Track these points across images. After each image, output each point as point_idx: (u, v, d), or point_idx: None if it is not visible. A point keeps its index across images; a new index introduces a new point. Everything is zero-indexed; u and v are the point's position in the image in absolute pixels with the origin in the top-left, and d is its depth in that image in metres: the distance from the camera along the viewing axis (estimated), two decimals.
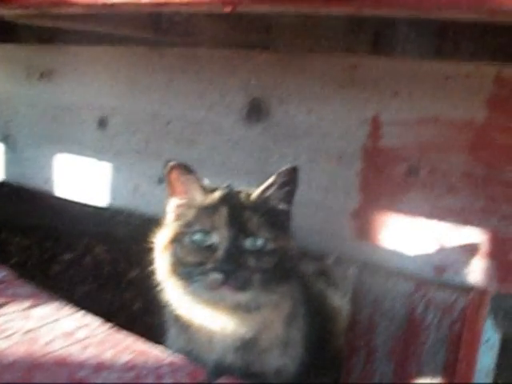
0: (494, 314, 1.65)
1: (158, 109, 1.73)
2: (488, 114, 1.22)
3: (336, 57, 1.44)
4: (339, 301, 1.67)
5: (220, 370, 1.21)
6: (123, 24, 1.47)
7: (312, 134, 1.45)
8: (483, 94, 1.22)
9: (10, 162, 2.16)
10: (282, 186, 1.20)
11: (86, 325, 1.06)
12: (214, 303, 1.19)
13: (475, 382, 1.40)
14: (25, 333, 1.03)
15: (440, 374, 1.28)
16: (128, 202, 1.81)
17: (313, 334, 1.36)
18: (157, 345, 1.07)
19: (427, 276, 1.30)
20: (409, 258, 1.32)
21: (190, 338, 1.28)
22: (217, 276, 1.13)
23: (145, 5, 1.01)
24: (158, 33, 1.53)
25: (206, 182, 1.28)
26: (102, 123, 1.86)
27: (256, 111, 1.53)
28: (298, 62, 1.47)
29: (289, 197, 1.22)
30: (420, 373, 1.31)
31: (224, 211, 1.17)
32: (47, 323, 1.06)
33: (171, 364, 0.96)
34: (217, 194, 1.22)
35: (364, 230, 1.38)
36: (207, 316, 1.23)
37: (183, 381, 0.91)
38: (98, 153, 1.88)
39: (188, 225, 1.20)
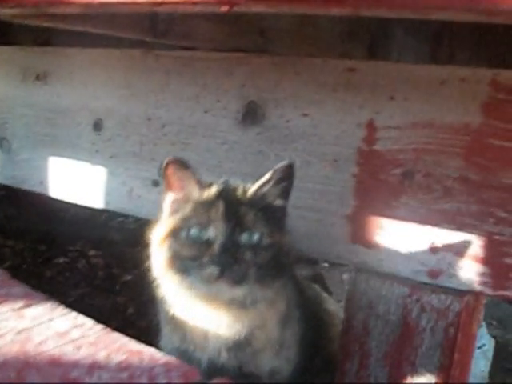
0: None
1: (153, 112, 1.73)
2: (483, 119, 1.22)
3: (332, 61, 1.44)
4: (334, 305, 1.67)
5: (213, 370, 1.22)
6: (120, 26, 1.47)
7: (307, 137, 1.45)
8: (478, 98, 1.22)
9: (4, 165, 2.15)
10: (278, 182, 1.21)
11: (80, 325, 1.06)
12: (210, 298, 1.20)
13: None
14: (18, 332, 1.03)
15: (434, 378, 1.28)
16: (123, 204, 1.80)
17: (307, 337, 1.36)
18: (150, 346, 1.07)
19: (422, 280, 1.30)
20: (403, 261, 1.32)
21: (184, 337, 1.28)
22: (213, 269, 1.14)
23: (141, 4, 1.01)
24: (154, 35, 1.53)
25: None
26: (98, 126, 1.86)
27: (252, 114, 1.53)
28: (293, 65, 1.47)
29: (285, 193, 1.23)
30: (414, 377, 1.30)
31: (221, 206, 1.18)
32: (40, 323, 1.06)
33: (165, 364, 0.96)
34: (213, 190, 1.22)
35: (359, 234, 1.38)
36: (202, 312, 1.23)
37: (177, 381, 0.90)
38: (93, 155, 1.88)
39: (185, 219, 1.21)
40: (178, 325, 1.28)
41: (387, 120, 1.33)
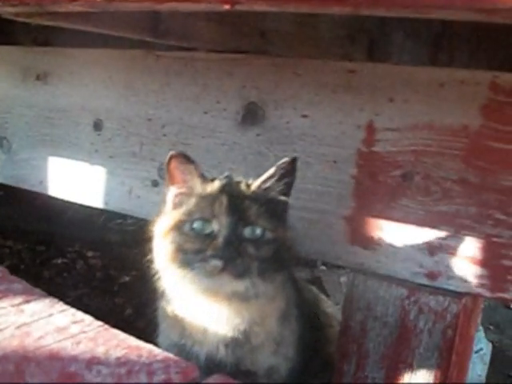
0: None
1: (153, 112, 1.73)
2: (483, 121, 1.22)
3: (332, 62, 1.45)
4: (331, 307, 1.67)
5: (212, 365, 1.22)
6: (122, 25, 1.47)
7: (307, 138, 1.45)
8: (478, 100, 1.23)
9: (4, 164, 2.15)
10: (281, 177, 1.22)
11: (79, 321, 1.06)
12: (212, 291, 1.21)
13: None
14: (18, 327, 1.03)
15: (432, 380, 1.28)
16: (122, 204, 1.80)
17: (305, 338, 1.36)
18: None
19: (420, 282, 1.31)
20: (402, 263, 1.32)
21: (183, 331, 1.28)
22: (217, 263, 1.15)
23: (144, 1, 1.02)
24: (155, 35, 1.53)
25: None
26: (97, 126, 1.87)
27: (251, 115, 1.54)
28: (293, 66, 1.48)
29: (287, 188, 1.24)
30: (412, 378, 1.30)
31: (224, 200, 1.19)
32: (40, 318, 1.06)
33: (163, 360, 0.96)
34: (217, 184, 1.23)
35: (357, 235, 1.38)
36: (203, 305, 1.23)
37: (175, 377, 0.91)
38: (93, 155, 1.88)
39: (188, 213, 1.21)
40: (177, 319, 1.28)
41: (387, 122, 1.34)
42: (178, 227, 1.21)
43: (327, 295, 2.24)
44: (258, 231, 1.19)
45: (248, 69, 1.55)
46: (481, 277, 1.24)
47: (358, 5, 0.82)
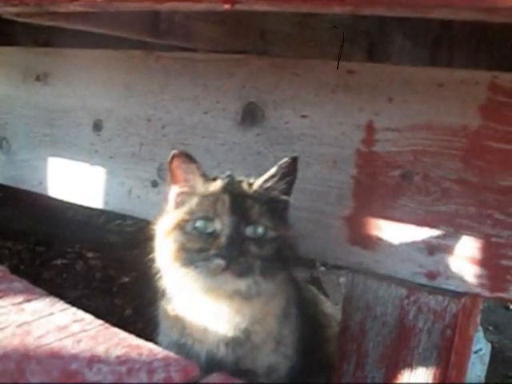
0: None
1: (153, 112, 1.74)
2: (482, 121, 1.22)
3: (331, 63, 1.45)
4: (330, 308, 1.67)
5: (212, 364, 1.22)
6: (122, 26, 1.47)
7: (306, 138, 1.45)
8: (477, 100, 1.23)
9: (4, 165, 2.15)
10: (282, 176, 1.23)
11: (79, 320, 1.07)
12: (214, 289, 1.21)
13: None
14: (18, 326, 1.04)
15: (431, 380, 1.28)
16: (122, 204, 1.81)
17: (304, 337, 1.36)
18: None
19: (419, 281, 1.31)
20: (401, 263, 1.33)
21: (183, 330, 1.28)
22: (220, 262, 1.15)
23: (144, 1, 1.02)
24: (155, 36, 1.54)
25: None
26: (97, 126, 1.87)
27: (251, 116, 1.54)
28: (293, 67, 1.48)
29: (288, 187, 1.25)
30: (411, 378, 1.30)
31: (227, 199, 1.20)
32: (41, 317, 1.07)
33: (164, 358, 0.96)
34: (219, 183, 1.24)
35: (357, 235, 1.38)
36: (204, 303, 1.24)
37: (175, 375, 0.91)
38: (93, 156, 1.88)
39: (191, 212, 1.22)
40: (177, 318, 1.29)
41: (386, 122, 1.34)
42: (181, 226, 1.22)
43: (326, 295, 2.24)
44: (260, 230, 1.20)
45: (247, 69, 1.56)
46: (480, 276, 1.24)
47: (359, 4, 0.83)
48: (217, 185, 1.24)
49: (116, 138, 1.82)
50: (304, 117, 1.46)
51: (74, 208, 2.02)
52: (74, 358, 0.94)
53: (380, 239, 1.35)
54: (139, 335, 1.08)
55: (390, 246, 1.34)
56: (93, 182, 1.88)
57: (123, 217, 3.28)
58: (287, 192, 1.25)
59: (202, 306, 1.25)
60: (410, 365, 1.31)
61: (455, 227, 1.26)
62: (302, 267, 2.68)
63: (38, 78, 2.04)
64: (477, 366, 2.15)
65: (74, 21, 1.40)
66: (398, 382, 1.32)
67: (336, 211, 1.41)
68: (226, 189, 1.23)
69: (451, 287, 1.27)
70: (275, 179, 1.23)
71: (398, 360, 1.32)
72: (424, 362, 1.29)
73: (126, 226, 3.48)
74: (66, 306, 1.11)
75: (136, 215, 1.79)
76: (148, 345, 1.01)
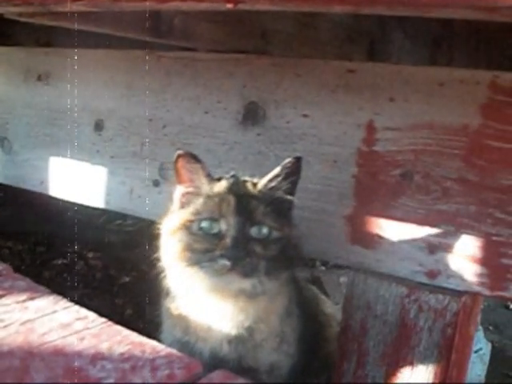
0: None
1: (154, 112, 1.74)
2: (482, 120, 1.23)
3: (332, 62, 1.45)
4: (331, 307, 1.67)
5: (215, 362, 1.22)
6: (123, 26, 1.48)
7: (307, 138, 1.46)
8: (478, 99, 1.23)
9: (5, 165, 2.16)
10: (286, 176, 1.23)
11: (82, 318, 1.07)
12: (219, 289, 1.22)
13: None
14: (22, 323, 1.04)
15: (432, 378, 1.28)
16: (123, 204, 1.81)
17: (306, 336, 1.36)
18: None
19: (420, 280, 1.31)
20: (402, 262, 1.33)
21: (187, 328, 1.29)
22: (225, 262, 1.16)
23: (147, 0, 1.02)
24: (157, 35, 1.54)
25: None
26: (98, 126, 1.87)
27: (252, 115, 1.54)
28: (294, 66, 1.48)
29: (292, 187, 1.25)
30: (412, 377, 1.31)
31: (232, 200, 1.20)
32: (44, 315, 1.07)
33: (167, 356, 0.96)
34: (224, 183, 1.25)
35: (358, 234, 1.39)
36: (208, 303, 1.24)
37: (179, 372, 0.91)
38: (94, 155, 1.89)
39: (196, 212, 1.23)
40: (181, 316, 1.29)
41: (387, 121, 1.34)
42: (186, 226, 1.22)
43: (327, 295, 2.24)
44: (265, 230, 1.21)
45: (249, 69, 1.56)
46: (480, 275, 1.24)
47: (359, 3, 0.83)
48: (222, 185, 1.24)
49: (117, 137, 1.82)
50: (305, 116, 1.46)
51: (75, 208, 2.02)
52: (78, 355, 0.94)
53: (381, 238, 1.35)
54: (140, 335, 1.08)
55: (391, 244, 1.34)
56: (94, 181, 1.88)
57: (124, 217, 3.27)
58: (291, 192, 1.25)
59: (206, 304, 1.25)
60: (410, 364, 1.31)
61: (456, 226, 1.27)
62: (303, 266, 2.68)
63: (39, 78, 2.04)
64: (477, 365, 2.15)
65: (76, 21, 1.40)
66: (399, 380, 1.33)
67: (337, 210, 1.41)
68: (231, 189, 1.23)
69: (452, 286, 1.28)
70: (279, 179, 1.23)
71: (399, 359, 1.33)
72: (425, 361, 1.30)
73: (126, 225, 3.48)
74: (69, 303, 1.12)
75: (137, 215, 1.79)
76: (151, 342, 1.01)
